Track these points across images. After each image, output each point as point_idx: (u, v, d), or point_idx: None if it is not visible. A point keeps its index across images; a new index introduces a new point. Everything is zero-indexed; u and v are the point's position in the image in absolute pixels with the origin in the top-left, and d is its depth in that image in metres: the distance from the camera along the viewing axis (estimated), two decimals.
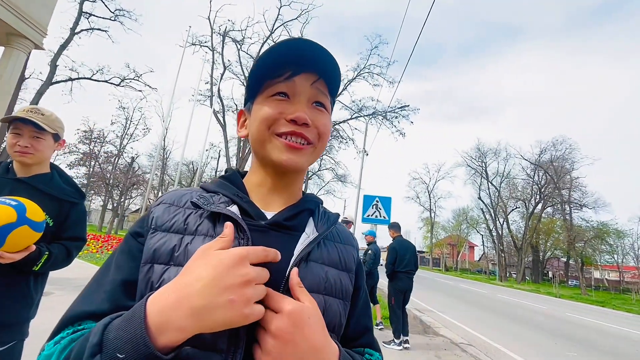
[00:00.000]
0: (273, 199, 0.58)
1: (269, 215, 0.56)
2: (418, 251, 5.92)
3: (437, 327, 6.46)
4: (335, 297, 0.54)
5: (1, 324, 1.19)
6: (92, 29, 20.55)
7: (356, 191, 12.20)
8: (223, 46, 20.32)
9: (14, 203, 1.07)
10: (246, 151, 20.03)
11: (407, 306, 5.22)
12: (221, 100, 20.65)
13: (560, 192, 33.75)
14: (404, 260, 4.96)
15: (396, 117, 21.24)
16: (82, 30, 20.17)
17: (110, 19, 20.73)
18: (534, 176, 37.13)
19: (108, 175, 28.63)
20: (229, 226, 0.45)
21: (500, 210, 39.46)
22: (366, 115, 21.45)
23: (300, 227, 0.56)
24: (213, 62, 20.41)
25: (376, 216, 7.46)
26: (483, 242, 47.95)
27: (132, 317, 0.37)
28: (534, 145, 69.45)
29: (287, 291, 0.47)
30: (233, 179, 0.60)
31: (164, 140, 16.17)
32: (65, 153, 32.98)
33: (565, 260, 37.26)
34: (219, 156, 33.98)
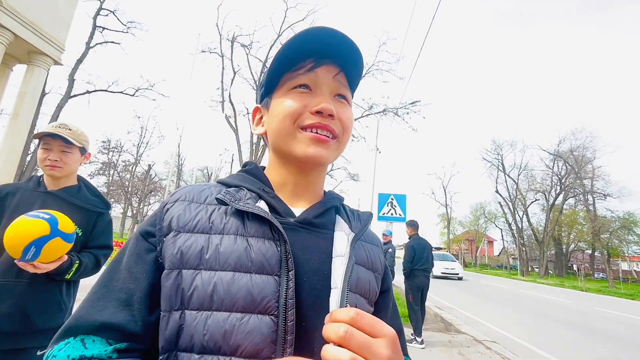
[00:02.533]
0: (297, 198, 0.56)
1: (296, 212, 0.53)
2: (435, 248, 5.95)
3: (459, 324, 6.35)
4: (364, 297, 0.53)
5: (40, 330, 1.25)
6: (106, 42, 21.22)
7: (370, 189, 12.15)
8: (232, 51, 20.56)
9: (46, 216, 1.12)
10: (259, 154, 20.22)
11: (426, 303, 5.22)
12: (232, 105, 20.89)
13: (582, 182, 32.56)
14: (421, 259, 5.07)
15: (407, 113, 21.00)
16: (96, 44, 20.86)
17: (122, 32, 21.36)
18: (553, 167, 36.00)
19: (127, 183, 29.49)
20: None
21: (519, 203, 38.39)
22: (377, 113, 21.30)
23: (328, 226, 0.54)
24: (223, 68, 20.66)
25: (392, 214, 7.40)
26: (502, 236, 46.83)
27: None
28: (552, 134, 67.41)
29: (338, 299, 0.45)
30: (256, 173, 0.57)
31: (179, 147, 16.56)
32: (85, 164, 34.18)
33: (590, 252, 35.96)
34: (232, 160, 34.46)
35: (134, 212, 32.36)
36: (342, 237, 0.52)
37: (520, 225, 38.32)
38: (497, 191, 40.44)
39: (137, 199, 31.42)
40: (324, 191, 0.61)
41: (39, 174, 1.45)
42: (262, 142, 21.02)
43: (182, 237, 0.46)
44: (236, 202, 0.48)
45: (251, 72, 21.40)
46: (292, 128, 0.51)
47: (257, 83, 21.54)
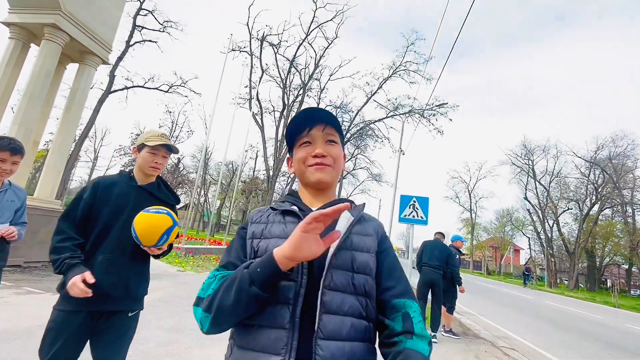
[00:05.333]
0: (314, 201, 0.91)
1: (314, 209, 0.88)
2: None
3: (477, 329, 6.34)
4: (361, 251, 0.82)
5: (135, 297, 1.58)
6: (144, 40, 22.31)
7: (392, 190, 12.14)
8: (261, 50, 21.05)
9: (165, 211, 1.48)
10: (282, 152, 20.66)
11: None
12: (259, 103, 21.41)
13: (621, 193, 30.65)
14: (426, 254, 5.42)
15: (434, 115, 20.67)
16: (135, 42, 21.99)
17: (159, 31, 22.39)
18: (589, 175, 34.07)
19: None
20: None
21: (550, 212, 36.69)
22: (402, 114, 21.09)
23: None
24: (251, 67, 21.21)
25: (413, 216, 7.45)
26: (530, 245, 44.91)
27: (266, 256, 0.71)
28: (589, 141, 63.59)
29: (334, 255, 0.76)
30: (293, 194, 0.96)
31: (206, 142, 17.18)
32: (120, 155, 36.22)
33: (627, 267, 33.84)
34: (257, 156, 35.27)
35: None
36: (342, 221, 0.83)
37: (549, 235, 36.64)
38: (526, 198, 38.88)
39: None
40: (337, 198, 0.95)
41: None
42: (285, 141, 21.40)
43: (254, 225, 0.87)
44: (280, 207, 0.88)
45: (279, 71, 21.83)
46: (304, 167, 0.89)
47: (284, 82, 21.95)
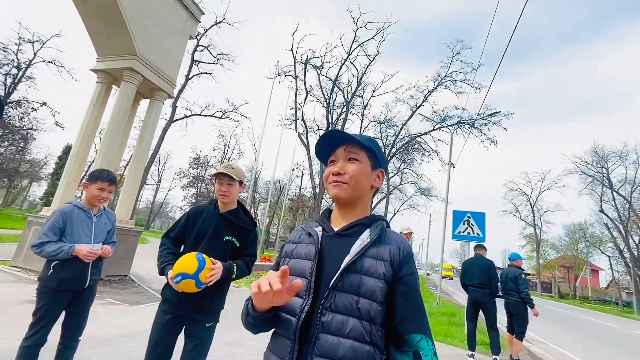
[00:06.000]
0: (340, 219, 0.96)
1: (336, 229, 0.93)
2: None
3: None
4: (369, 276, 0.80)
5: (213, 310, 1.84)
6: (201, 73, 24.67)
7: (443, 205, 11.59)
8: (305, 73, 21.95)
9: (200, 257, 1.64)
10: None
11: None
12: (305, 123, 22.14)
13: None
14: (471, 275, 5.10)
15: (485, 125, 19.57)
16: (193, 75, 24.40)
17: (213, 63, 24.61)
18: None
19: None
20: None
21: (634, 226, 31.89)
22: (451, 125, 20.30)
23: (354, 235, 0.88)
24: (296, 89, 22.16)
25: (469, 233, 7.04)
26: (611, 264, 39.19)
27: (252, 300, 0.84)
28: None
29: (341, 276, 0.80)
30: (325, 213, 1.03)
31: (256, 162, 18.24)
32: (180, 177, 39.52)
33: None
34: (302, 174, 36.20)
35: None
36: (359, 242, 0.85)
37: (635, 253, 31.70)
38: (602, 210, 34.36)
39: None
40: (371, 214, 0.97)
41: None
42: None
43: (288, 245, 1.00)
44: (307, 228, 0.98)
45: (322, 91, 22.50)
46: (327, 183, 0.96)
47: (327, 101, 22.55)
